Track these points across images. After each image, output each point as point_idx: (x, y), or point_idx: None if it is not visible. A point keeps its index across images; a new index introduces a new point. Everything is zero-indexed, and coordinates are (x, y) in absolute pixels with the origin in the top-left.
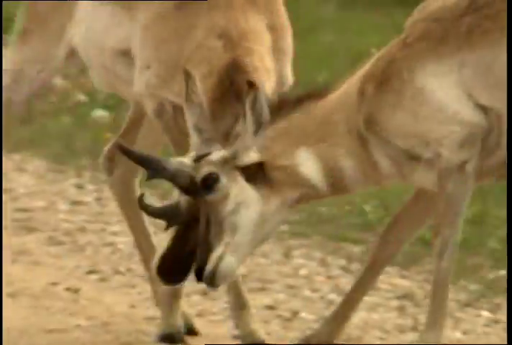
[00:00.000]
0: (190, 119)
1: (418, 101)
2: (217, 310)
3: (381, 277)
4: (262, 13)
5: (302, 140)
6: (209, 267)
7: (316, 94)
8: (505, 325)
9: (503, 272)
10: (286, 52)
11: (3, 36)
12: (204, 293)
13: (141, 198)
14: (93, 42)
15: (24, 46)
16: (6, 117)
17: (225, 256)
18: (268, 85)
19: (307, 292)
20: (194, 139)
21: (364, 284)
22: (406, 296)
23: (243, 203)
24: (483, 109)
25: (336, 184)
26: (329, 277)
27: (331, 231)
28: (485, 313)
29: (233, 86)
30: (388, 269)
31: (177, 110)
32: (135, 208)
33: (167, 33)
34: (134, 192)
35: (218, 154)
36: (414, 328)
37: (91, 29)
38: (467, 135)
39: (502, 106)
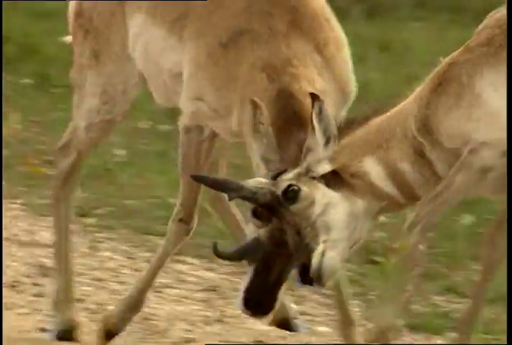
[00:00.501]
0: (257, 150)
1: (475, 105)
2: (24, 303)
3: (187, 270)
4: (307, 34)
5: (367, 149)
6: (314, 264)
7: (381, 110)
8: (310, 317)
9: None
10: (345, 63)
11: None
12: (12, 286)
13: (215, 246)
14: (152, 61)
15: (99, 68)
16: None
17: (326, 252)
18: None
19: (114, 285)
20: (262, 169)
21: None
22: (212, 288)
23: (330, 203)
24: None
25: (406, 190)
26: (136, 270)
27: (138, 224)
28: (292, 305)
29: (287, 114)
30: (195, 261)
31: (209, 139)
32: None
33: (219, 73)
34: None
35: (292, 170)
36: (220, 320)
37: (148, 48)
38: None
39: None
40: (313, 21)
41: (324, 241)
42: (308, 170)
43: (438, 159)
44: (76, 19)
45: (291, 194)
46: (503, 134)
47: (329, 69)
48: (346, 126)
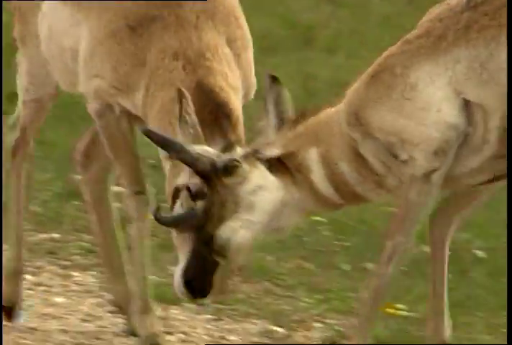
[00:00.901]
0: (184, 140)
1: (407, 97)
2: None
3: None
4: (219, 27)
5: (313, 141)
6: (222, 235)
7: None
8: (46, 288)
9: (44, 236)
10: (249, 63)
11: None
12: None
13: (157, 209)
14: (54, 42)
15: (24, 50)
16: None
17: (240, 229)
18: (237, 104)
19: None
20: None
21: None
22: None
23: (263, 186)
24: (469, 109)
25: (344, 190)
26: None
27: None
28: (29, 277)
29: (210, 107)
30: None
31: (124, 114)
32: (106, 206)
33: (122, 53)
34: (107, 190)
35: (241, 150)
36: None
37: (52, 28)
38: (444, 142)
39: (492, 103)
40: (224, 16)
41: (243, 220)
42: (255, 151)
43: (370, 154)
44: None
45: (230, 167)
46: (436, 131)
47: (238, 65)
48: (301, 116)
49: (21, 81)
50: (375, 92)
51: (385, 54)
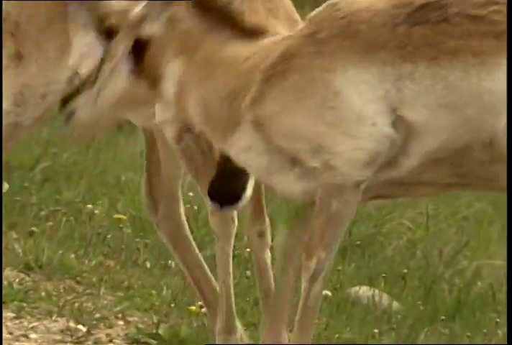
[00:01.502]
0: None
1: (330, 105)
2: None
3: None
4: None
5: (183, 51)
6: (70, 105)
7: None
8: None
9: None
10: None
11: None
12: None
13: None
14: None
15: (19, 69)
16: (13, 142)
17: (87, 104)
18: None
19: None
20: None
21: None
22: None
23: (115, 67)
24: (401, 126)
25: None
26: None
27: None
28: None
29: None
30: None
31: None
32: (187, 244)
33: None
34: (183, 227)
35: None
36: None
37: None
38: (376, 154)
39: (436, 128)
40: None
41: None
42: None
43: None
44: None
45: None
46: (369, 142)
47: None
48: None
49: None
50: (282, 94)
51: (285, 49)
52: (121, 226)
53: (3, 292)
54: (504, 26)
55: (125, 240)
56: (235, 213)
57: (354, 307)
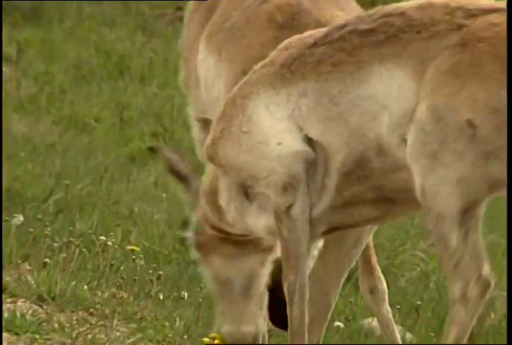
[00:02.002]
0: None
1: (244, 130)
2: None
3: None
4: None
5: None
6: None
7: None
8: None
9: None
10: None
11: None
12: None
13: None
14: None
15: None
16: None
17: None
18: None
19: None
20: None
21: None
22: None
23: None
24: (312, 145)
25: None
26: None
27: None
28: None
29: None
30: None
31: None
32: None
33: None
34: None
35: None
36: None
37: (206, 77)
38: (290, 177)
39: (335, 143)
40: None
41: None
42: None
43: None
44: None
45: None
46: (279, 165)
47: None
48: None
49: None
50: (219, 126)
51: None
52: (133, 257)
53: (17, 324)
54: (386, 35)
55: (138, 271)
56: None
57: (367, 338)
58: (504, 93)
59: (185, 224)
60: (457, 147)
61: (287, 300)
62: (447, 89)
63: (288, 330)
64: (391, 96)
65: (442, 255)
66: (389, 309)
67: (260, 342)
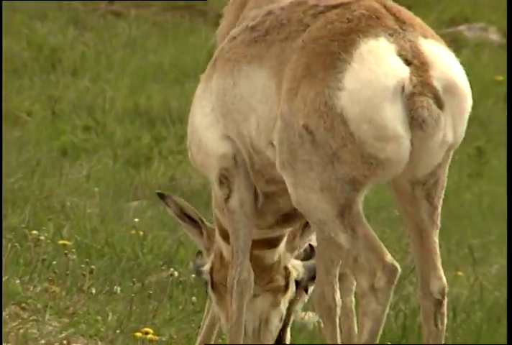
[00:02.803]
0: None
1: (189, 126)
2: None
3: None
4: None
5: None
6: None
7: None
8: None
9: None
10: None
11: None
12: None
13: None
14: None
15: None
16: None
17: None
18: None
19: None
20: None
21: None
22: None
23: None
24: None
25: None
26: None
27: None
28: None
29: None
30: None
31: None
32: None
33: None
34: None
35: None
36: None
37: None
38: (223, 170)
39: (233, 136)
40: None
41: None
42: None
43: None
44: None
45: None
46: (215, 159)
47: None
48: None
49: None
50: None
51: None
52: (66, 251)
53: None
54: (258, 34)
55: (70, 266)
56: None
57: (299, 333)
58: (329, 92)
59: (198, 254)
60: (304, 155)
61: (229, 294)
62: (289, 94)
63: (228, 325)
64: (257, 98)
65: (338, 256)
66: (353, 300)
67: None
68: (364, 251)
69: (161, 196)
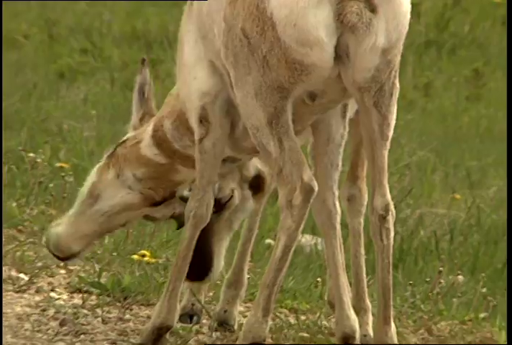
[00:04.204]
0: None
1: (180, 61)
2: None
3: None
4: None
5: (161, 113)
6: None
7: None
8: None
9: None
10: None
11: None
12: None
13: None
14: None
15: None
16: None
17: (57, 226)
18: None
19: None
20: None
21: None
22: None
23: (90, 175)
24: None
25: (167, 149)
26: None
27: None
28: None
29: None
30: None
31: None
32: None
33: None
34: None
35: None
36: None
37: None
38: (202, 109)
39: (218, 56)
40: None
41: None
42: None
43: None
44: None
45: None
46: (197, 98)
47: None
48: None
49: None
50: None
51: None
52: (63, 174)
53: None
54: None
55: (67, 188)
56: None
57: (296, 256)
58: None
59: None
60: (243, 59)
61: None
62: None
63: (177, 252)
64: (216, 9)
65: (268, 165)
66: (361, 222)
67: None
68: (289, 163)
69: (143, 61)
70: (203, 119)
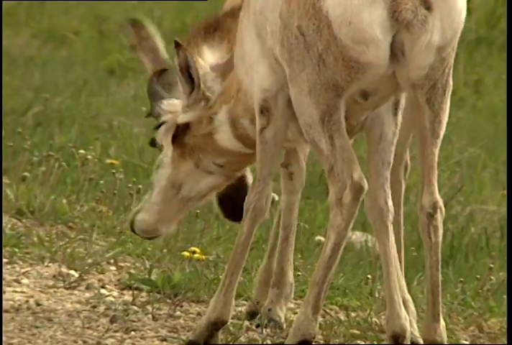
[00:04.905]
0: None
1: (239, 53)
2: None
3: None
4: None
5: (224, 99)
6: (128, 217)
7: None
8: None
9: None
10: None
11: None
12: None
13: None
14: None
15: None
16: None
17: (140, 213)
18: None
19: None
20: None
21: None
22: None
23: (161, 161)
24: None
25: (248, 142)
26: None
27: None
28: None
29: None
30: None
31: None
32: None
33: None
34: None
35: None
36: None
37: None
38: (263, 101)
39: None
40: None
41: (146, 200)
42: (175, 115)
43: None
44: None
45: (151, 142)
46: (258, 90)
47: None
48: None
49: None
50: (235, 54)
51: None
52: (113, 171)
53: None
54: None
55: (117, 185)
56: None
57: (347, 253)
58: None
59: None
60: (298, 56)
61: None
62: None
63: (234, 246)
64: (270, 7)
65: (321, 161)
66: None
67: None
68: (340, 161)
69: (177, 44)
70: (264, 110)
